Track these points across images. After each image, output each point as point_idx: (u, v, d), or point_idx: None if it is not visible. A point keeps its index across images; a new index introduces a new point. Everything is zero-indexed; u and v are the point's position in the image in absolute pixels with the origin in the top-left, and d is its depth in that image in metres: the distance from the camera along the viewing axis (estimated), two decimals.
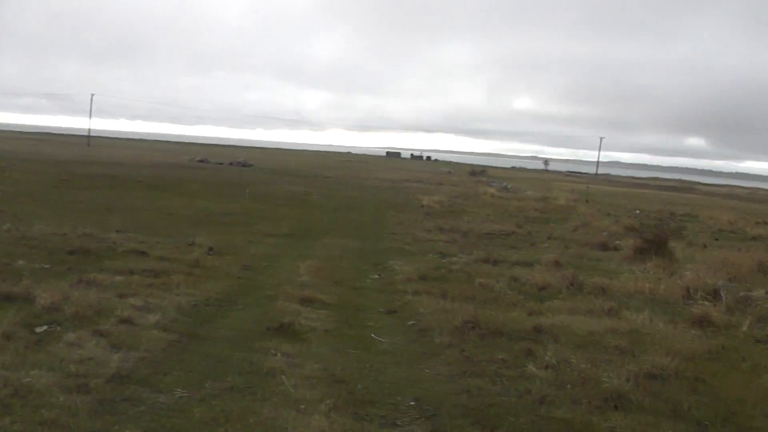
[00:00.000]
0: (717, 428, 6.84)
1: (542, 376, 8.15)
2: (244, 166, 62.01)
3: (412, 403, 7.15)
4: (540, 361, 8.68)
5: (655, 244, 19.25)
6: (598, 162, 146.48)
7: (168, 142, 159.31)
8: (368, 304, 12.48)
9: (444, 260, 17.82)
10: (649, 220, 34.01)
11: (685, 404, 7.38)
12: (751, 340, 10.35)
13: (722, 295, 12.59)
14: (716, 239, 30.49)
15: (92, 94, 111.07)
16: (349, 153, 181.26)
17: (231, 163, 63.25)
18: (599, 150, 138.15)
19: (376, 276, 15.34)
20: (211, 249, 16.71)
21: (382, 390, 7.50)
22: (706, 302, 12.16)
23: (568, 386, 7.81)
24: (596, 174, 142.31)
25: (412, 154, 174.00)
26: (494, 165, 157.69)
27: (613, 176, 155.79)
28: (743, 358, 9.34)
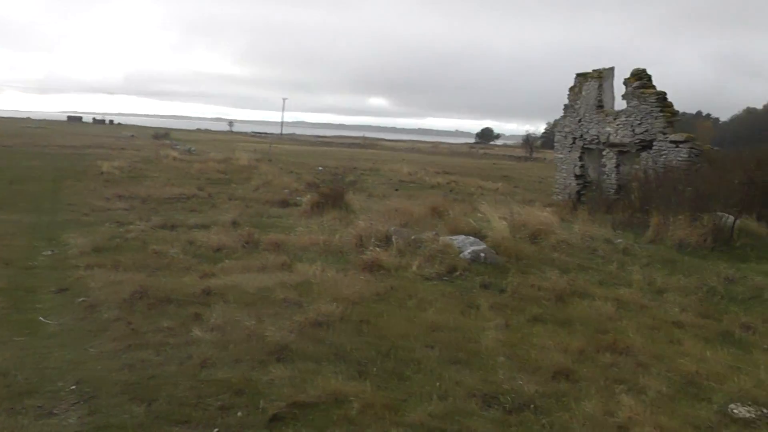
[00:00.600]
0: (377, 365, 7.14)
1: (207, 338, 7.97)
2: None
3: (73, 387, 6.64)
4: (206, 324, 8.48)
5: (332, 198, 19.85)
6: (282, 122, 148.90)
7: None
8: (39, 284, 11.44)
9: (121, 229, 16.97)
10: (330, 176, 35.14)
11: (348, 346, 7.62)
12: (420, 278, 10.99)
13: (393, 240, 13.18)
14: (396, 190, 32.41)
15: None
16: (28, 119, 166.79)
17: None
18: (283, 110, 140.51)
19: (50, 252, 14.22)
20: None
21: (44, 377, 6.90)
22: (377, 248, 12.66)
23: (232, 346, 7.70)
24: (281, 134, 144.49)
25: (94, 119, 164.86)
26: (179, 127, 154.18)
27: (299, 136, 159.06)
28: (410, 296, 9.88)
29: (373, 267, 11.52)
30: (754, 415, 6.83)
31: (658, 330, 9.52)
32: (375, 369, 7.05)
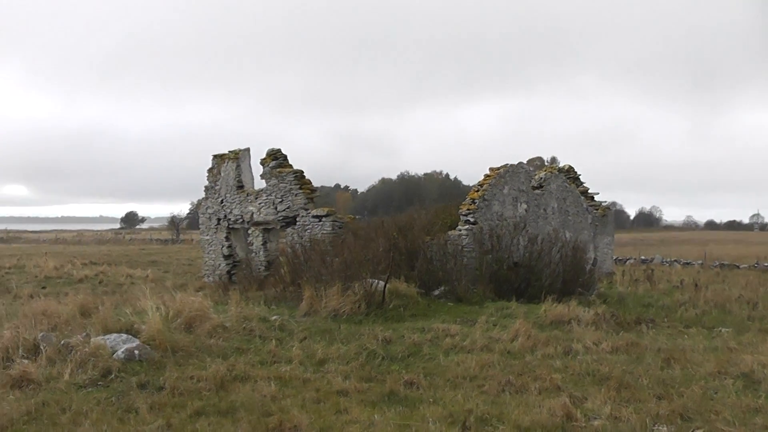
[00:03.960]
0: None
1: None
2: None
3: None
4: None
5: None
6: None
7: None
8: None
9: None
10: None
11: None
12: (73, 388, 10.14)
13: (42, 347, 12.16)
14: (44, 287, 30.31)
15: None
16: None
17: None
18: None
19: None
20: None
21: None
22: (25, 360, 11.58)
23: None
24: None
25: None
26: None
27: None
28: (64, 410, 9.05)
29: (22, 382, 10.48)
30: None
31: (324, 402, 9.63)
32: None
